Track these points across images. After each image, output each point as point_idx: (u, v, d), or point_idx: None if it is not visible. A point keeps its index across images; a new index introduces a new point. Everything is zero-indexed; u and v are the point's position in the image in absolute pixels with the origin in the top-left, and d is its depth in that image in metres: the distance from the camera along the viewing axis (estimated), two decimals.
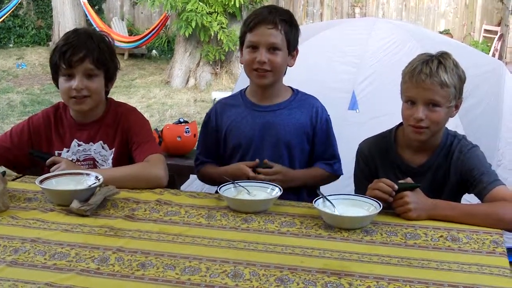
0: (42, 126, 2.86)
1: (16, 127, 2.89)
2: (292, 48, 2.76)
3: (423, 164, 2.55)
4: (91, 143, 2.82)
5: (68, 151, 2.83)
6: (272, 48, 2.68)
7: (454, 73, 2.44)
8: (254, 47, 2.70)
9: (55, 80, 2.79)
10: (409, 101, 2.47)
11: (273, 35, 2.67)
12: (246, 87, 2.90)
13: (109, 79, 2.84)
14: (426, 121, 2.43)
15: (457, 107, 2.53)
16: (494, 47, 12.85)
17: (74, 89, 2.68)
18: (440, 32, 13.33)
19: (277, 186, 2.46)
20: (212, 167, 2.90)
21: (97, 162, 2.83)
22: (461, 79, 2.48)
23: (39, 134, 2.85)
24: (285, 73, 2.81)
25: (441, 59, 2.45)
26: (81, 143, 2.82)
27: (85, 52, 2.68)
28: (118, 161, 2.79)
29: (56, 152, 2.84)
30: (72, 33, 2.77)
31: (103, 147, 2.82)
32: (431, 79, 2.40)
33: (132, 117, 2.85)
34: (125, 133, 2.81)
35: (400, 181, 2.32)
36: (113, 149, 2.82)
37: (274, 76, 2.74)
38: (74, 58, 2.66)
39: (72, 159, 2.82)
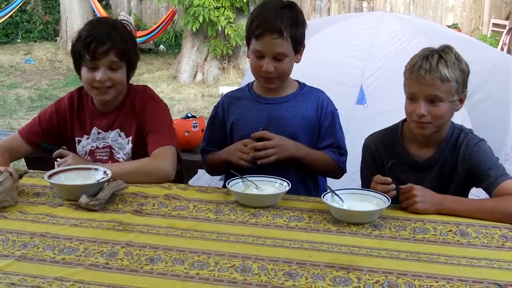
0: (67, 110, 2.88)
1: (44, 112, 2.91)
2: (298, 47, 2.72)
3: (429, 158, 2.54)
4: (109, 131, 2.84)
5: (88, 138, 2.86)
6: (278, 57, 2.66)
7: (455, 67, 2.41)
8: (259, 55, 2.68)
9: (77, 68, 2.79)
10: (411, 97, 2.47)
11: (279, 45, 2.63)
12: (254, 81, 2.89)
13: (132, 69, 2.84)
14: (428, 117, 2.42)
15: (461, 100, 2.51)
16: (503, 41, 12.81)
17: (98, 81, 2.69)
18: (448, 26, 13.28)
19: (285, 181, 2.46)
20: (214, 153, 2.89)
21: (114, 150, 2.84)
22: (464, 72, 2.45)
23: (65, 118, 2.88)
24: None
25: (442, 53, 2.42)
26: (100, 131, 2.85)
27: (110, 44, 2.67)
28: (137, 149, 2.81)
29: (76, 139, 2.87)
30: (96, 22, 2.77)
31: (119, 135, 2.83)
32: (430, 75, 2.38)
33: (149, 106, 2.83)
34: (141, 121, 2.81)
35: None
36: (130, 137, 2.82)
37: (281, 80, 2.74)
38: (98, 50, 2.66)
39: (92, 146, 2.85)
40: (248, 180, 2.48)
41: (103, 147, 2.85)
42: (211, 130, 2.96)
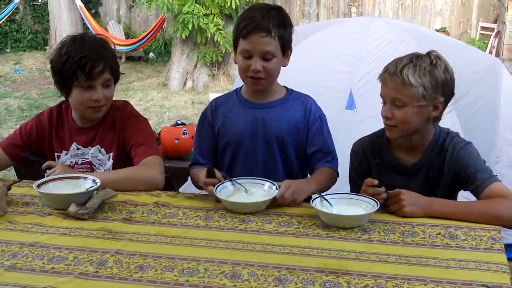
0: (46, 126, 2.88)
1: (25, 125, 2.91)
2: (286, 49, 2.72)
3: (416, 163, 2.54)
4: (89, 147, 2.84)
5: (67, 154, 2.85)
6: (266, 56, 2.65)
7: (425, 72, 2.38)
8: (248, 55, 2.68)
9: (66, 89, 2.74)
10: (382, 100, 2.50)
11: (267, 43, 2.62)
12: (242, 85, 2.89)
13: (116, 83, 2.86)
14: (394, 120, 2.44)
15: (436, 107, 2.45)
16: (491, 44, 12.86)
17: (95, 100, 2.70)
18: (437, 30, 13.34)
19: (274, 184, 2.46)
20: (196, 170, 2.77)
21: (94, 166, 2.84)
22: (438, 80, 2.40)
23: (44, 134, 2.88)
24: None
25: (414, 58, 2.42)
26: (80, 146, 2.84)
27: (104, 63, 2.68)
28: (118, 165, 2.79)
29: (55, 154, 2.85)
30: (80, 41, 2.71)
31: (100, 151, 2.83)
32: (391, 78, 2.41)
33: (130, 122, 2.84)
34: (122, 137, 2.81)
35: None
36: (111, 153, 2.83)
37: (268, 82, 2.73)
38: (95, 70, 2.66)
39: (71, 161, 2.83)
40: (237, 183, 2.49)
41: (82, 163, 2.84)
42: (201, 135, 2.90)
